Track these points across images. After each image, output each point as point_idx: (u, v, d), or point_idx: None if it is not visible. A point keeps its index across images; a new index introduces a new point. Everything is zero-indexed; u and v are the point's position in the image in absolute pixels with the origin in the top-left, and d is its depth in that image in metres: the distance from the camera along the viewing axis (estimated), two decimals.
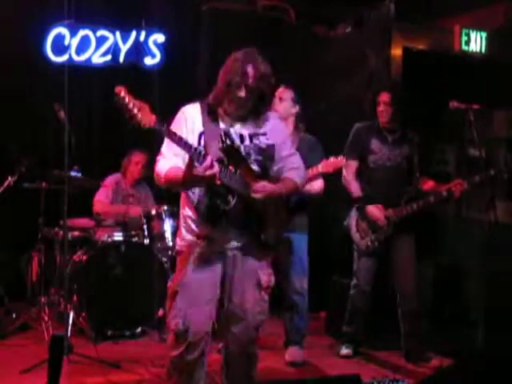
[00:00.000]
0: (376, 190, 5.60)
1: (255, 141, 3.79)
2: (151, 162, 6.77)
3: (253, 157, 3.77)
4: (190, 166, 3.44)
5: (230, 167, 3.62)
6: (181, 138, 3.49)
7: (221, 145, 3.68)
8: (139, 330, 6.13)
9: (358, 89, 6.70)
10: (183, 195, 3.86)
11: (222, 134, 3.72)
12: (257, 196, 3.69)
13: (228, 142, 3.73)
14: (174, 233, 6.07)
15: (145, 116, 3.34)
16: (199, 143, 3.68)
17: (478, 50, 7.21)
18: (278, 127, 3.97)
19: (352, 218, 5.69)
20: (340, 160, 5.34)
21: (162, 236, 6.41)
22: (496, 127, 7.43)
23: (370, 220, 5.55)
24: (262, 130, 3.83)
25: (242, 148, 3.75)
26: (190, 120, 3.74)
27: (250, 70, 3.67)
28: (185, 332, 3.73)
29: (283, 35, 7.86)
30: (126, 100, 3.32)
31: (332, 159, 5.34)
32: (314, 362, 5.60)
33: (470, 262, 6.26)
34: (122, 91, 3.33)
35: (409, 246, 5.62)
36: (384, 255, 5.62)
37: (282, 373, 5.33)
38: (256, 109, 3.79)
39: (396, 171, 5.61)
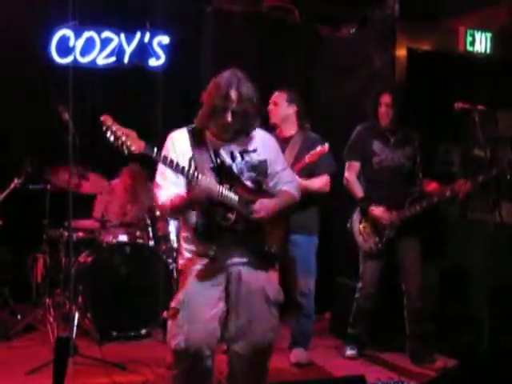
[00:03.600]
0: (380, 191, 5.60)
1: (246, 158, 3.80)
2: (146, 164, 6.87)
3: (245, 174, 3.78)
4: (190, 190, 3.57)
5: (225, 185, 3.64)
6: (172, 161, 3.54)
7: (212, 165, 3.70)
8: (144, 331, 6.14)
9: (362, 89, 6.69)
10: (182, 218, 3.87)
11: (212, 154, 3.73)
12: (258, 216, 3.71)
13: (219, 161, 3.74)
14: (179, 234, 6.07)
15: (134, 142, 3.42)
16: (190, 166, 3.67)
17: (483, 50, 7.19)
18: (268, 143, 3.97)
19: (355, 221, 5.68)
20: (323, 148, 5.31)
21: (166, 237, 6.43)
22: (501, 128, 7.41)
23: (374, 221, 5.55)
24: (251, 147, 3.84)
25: (234, 166, 3.77)
26: (178, 145, 3.74)
27: (232, 94, 3.66)
28: (186, 350, 3.67)
29: (287, 36, 7.85)
30: (114, 128, 3.40)
31: (318, 148, 5.33)
32: (318, 362, 5.61)
33: (475, 264, 6.24)
34: (108, 120, 3.42)
35: (414, 247, 5.61)
36: (389, 257, 5.62)
37: (286, 374, 5.34)
38: (242, 129, 3.80)
39: (400, 172, 5.61)
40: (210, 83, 3.79)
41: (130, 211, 6.89)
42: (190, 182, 3.54)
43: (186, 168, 3.56)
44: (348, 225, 5.75)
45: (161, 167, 3.74)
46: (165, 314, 6.07)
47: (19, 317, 6.34)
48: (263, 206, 3.73)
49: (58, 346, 4.29)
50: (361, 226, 5.65)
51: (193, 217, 3.74)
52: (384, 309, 5.88)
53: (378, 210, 5.53)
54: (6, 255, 6.51)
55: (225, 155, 3.77)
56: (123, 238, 6.38)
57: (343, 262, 6.61)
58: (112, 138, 3.39)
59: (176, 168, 3.54)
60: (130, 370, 5.21)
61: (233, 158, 3.78)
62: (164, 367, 5.05)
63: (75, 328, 5.74)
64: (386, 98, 5.60)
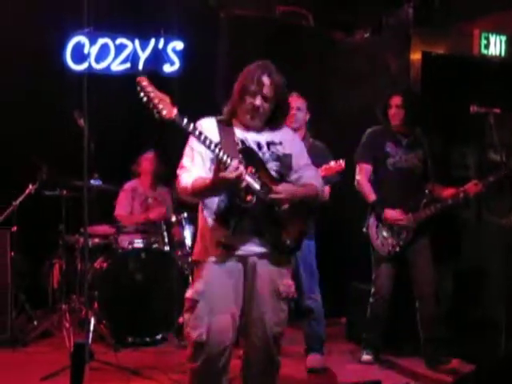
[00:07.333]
0: (395, 193, 5.59)
1: (272, 148, 3.78)
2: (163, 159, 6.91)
3: (270, 164, 3.74)
4: (217, 169, 3.45)
5: (250, 168, 3.60)
6: (201, 133, 3.48)
7: (239, 147, 3.67)
8: (159, 336, 6.14)
9: (376, 94, 6.68)
10: (201, 206, 3.80)
11: (239, 142, 3.70)
12: (277, 196, 3.66)
13: (246, 145, 3.72)
14: (194, 239, 6.09)
15: (166, 107, 3.38)
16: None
17: (498, 53, 7.17)
18: (293, 138, 3.98)
19: (371, 225, 5.67)
20: (339, 165, 5.33)
21: (182, 243, 6.44)
22: None
23: (390, 225, 5.54)
24: (277, 140, 3.82)
25: (260, 155, 3.73)
26: (206, 130, 3.63)
27: (265, 79, 3.69)
28: (207, 342, 3.62)
29: (301, 41, 7.85)
30: (148, 89, 3.37)
31: (332, 163, 5.34)
32: (334, 368, 5.59)
33: (491, 266, 6.22)
34: (144, 81, 3.39)
35: (426, 249, 5.60)
36: (402, 260, 5.60)
37: (302, 380, 5.34)
38: (272, 120, 3.81)
39: (414, 174, 5.62)
40: (242, 72, 3.79)
41: (152, 206, 6.95)
42: (220, 163, 3.45)
43: (214, 144, 3.48)
44: (364, 229, 5.73)
45: (187, 150, 3.73)
46: (181, 319, 6.07)
47: (35, 322, 6.37)
48: (284, 188, 3.70)
49: (76, 352, 4.28)
50: (378, 231, 5.63)
51: (213, 202, 3.68)
52: (399, 313, 5.85)
53: (392, 213, 5.52)
54: (22, 261, 6.53)
55: (252, 143, 3.74)
56: (139, 243, 6.39)
57: (358, 266, 6.58)
58: (145, 100, 3.36)
59: (204, 141, 3.48)
60: (145, 376, 5.21)
61: (259, 147, 3.75)
62: (179, 372, 5.08)
63: (91, 333, 5.77)
64: (396, 100, 5.61)
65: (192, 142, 3.71)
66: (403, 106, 5.58)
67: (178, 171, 3.73)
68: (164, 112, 3.37)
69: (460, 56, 7.19)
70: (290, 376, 5.17)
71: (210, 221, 3.72)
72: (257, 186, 3.61)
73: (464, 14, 7.03)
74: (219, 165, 3.46)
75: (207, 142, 3.48)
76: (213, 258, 3.70)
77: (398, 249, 5.55)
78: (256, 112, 3.72)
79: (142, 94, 3.37)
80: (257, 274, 3.74)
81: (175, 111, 3.41)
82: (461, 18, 7.13)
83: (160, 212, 6.60)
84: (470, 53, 7.15)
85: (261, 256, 3.74)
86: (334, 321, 6.82)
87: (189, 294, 3.74)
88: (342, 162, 5.36)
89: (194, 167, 3.68)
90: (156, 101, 3.36)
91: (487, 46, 7.11)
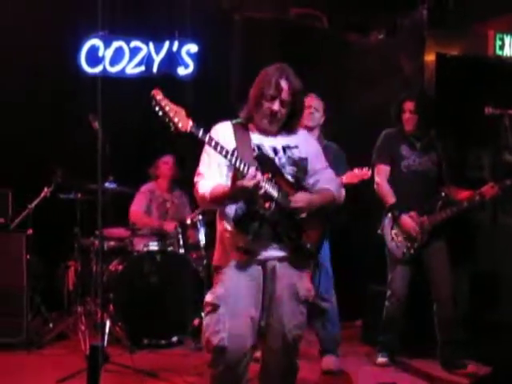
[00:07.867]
0: (410, 196, 5.57)
1: (288, 153, 3.77)
2: (180, 163, 6.91)
3: (287, 168, 3.73)
4: (235, 177, 3.46)
5: (266, 175, 3.59)
6: (217, 143, 3.48)
7: (255, 154, 3.66)
8: (175, 338, 6.14)
9: (391, 96, 6.67)
10: (219, 210, 3.79)
11: (256, 148, 3.69)
12: (296, 206, 3.66)
13: (261, 151, 3.71)
14: (209, 242, 6.10)
15: (181, 120, 3.38)
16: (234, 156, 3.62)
17: None
18: (309, 141, 3.98)
19: (386, 227, 5.65)
20: (365, 172, 5.33)
21: (197, 245, 6.43)
22: None
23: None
24: (293, 143, 3.81)
25: (277, 160, 3.72)
26: (221, 137, 3.64)
27: (283, 83, 3.67)
28: (228, 348, 3.58)
29: (316, 43, 7.85)
30: (163, 103, 3.37)
31: (357, 171, 5.33)
32: (349, 370, 5.57)
33: (506, 269, 6.19)
34: (158, 94, 3.38)
35: (443, 252, 5.58)
36: (418, 263, 5.58)
37: (317, 382, 5.32)
38: (287, 124, 3.79)
39: (428, 177, 5.61)
40: (259, 74, 3.78)
41: (170, 209, 6.98)
42: (237, 171, 3.48)
43: (230, 153, 3.49)
44: (379, 231, 5.72)
45: (204, 157, 3.73)
46: (196, 321, 6.08)
47: (51, 325, 6.40)
48: (302, 197, 3.69)
49: (92, 355, 4.29)
50: (393, 232, 5.62)
51: (231, 208, 3.67)
52: (415, 315, 5.84)
53: (407, 222, 5.50)
54: (37, 264, 6.56)
55: (268, 149, 3.73)
56: (154, 246, 6.40)
57: (374, 268, 6.57)
58: (160, 114, 3.36)
59: (221, 151, 3.48)
60: (161, 378, 5.21)
61: (275, 152, 3.74)
62: (195, 375, 5.08)
63: (107, 336, 5.78)
64: (409, 105, 5.60)
65: (208, 148, 3.69)
66: (416, 111, 5.57)
67: (196, 179, 3.73)
68: (180, 125, 3.37)
69: (474, 57, 7.17)
70: (305, 378, 5.15)
71: (229, 227, 3.70)
72: (274, 193, 3.61)
73: (478, 15, 7.01)
74: (236, 173, 3.47)
75: (224, 151, 3.49)
76: (233, 263, 3.68)
77: (412, 251, 5.53)
78: (274, 117, 3.71)
79: (157, 108, 3.37)
80: (276, 277, 3.71)
81: (191, 123, 3.41)
82: (475, 19, 7.11)
83: (175, 226, 6.58)
84: (484, 54, 7.13)
85: (281, 259, 3.72)
86: (349, 323, 6.81)
87: (209, 298, 3.71)
88: (367, 171, 5.35)
89: (211, 174, 3.69)
90: (171, 114, 3.37)
91: (502, 47, 7.08)
